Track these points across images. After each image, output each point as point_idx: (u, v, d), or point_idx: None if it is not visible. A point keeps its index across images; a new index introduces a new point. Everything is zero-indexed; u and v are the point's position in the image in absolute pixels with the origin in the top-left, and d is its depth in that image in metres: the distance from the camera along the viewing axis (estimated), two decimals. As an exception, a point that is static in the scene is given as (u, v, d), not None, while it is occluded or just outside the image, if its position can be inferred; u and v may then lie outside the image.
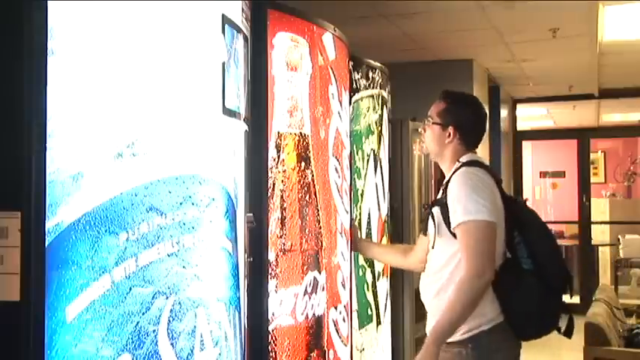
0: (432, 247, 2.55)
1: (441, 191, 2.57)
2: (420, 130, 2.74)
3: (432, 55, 6.28)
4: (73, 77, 1.57)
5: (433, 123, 2.62)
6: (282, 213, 2.59)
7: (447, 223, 2.44)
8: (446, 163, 2.63)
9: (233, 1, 2.09)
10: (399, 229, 4.40)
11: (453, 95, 2.66)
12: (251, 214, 2.31)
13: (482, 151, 7.02)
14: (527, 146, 10.69)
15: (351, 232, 3.20)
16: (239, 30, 2.10)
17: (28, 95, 1.54)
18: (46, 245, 1.52)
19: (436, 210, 2.50)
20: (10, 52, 1.56)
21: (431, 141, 2.65)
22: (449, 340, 2.40)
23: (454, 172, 2.51)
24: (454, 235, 2.41)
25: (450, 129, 2.58)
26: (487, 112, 2.71)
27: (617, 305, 5.44)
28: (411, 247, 2.98)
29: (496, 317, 2.42)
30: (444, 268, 2.46)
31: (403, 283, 4.39)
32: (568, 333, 2.53)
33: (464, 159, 2.55)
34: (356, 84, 3.58)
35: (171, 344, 1.72)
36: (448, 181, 2.52)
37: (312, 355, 2.76)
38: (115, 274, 1.60)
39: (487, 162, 2.65)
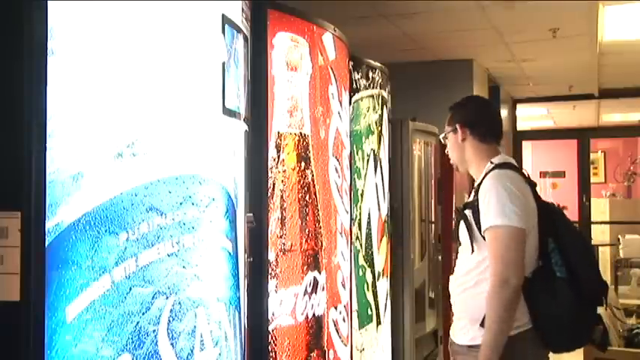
0: (462, 250, 2.52)
1: (472, 194, 2.53)
2: (447, 151, 2.73)
3: (432, 55, 6.28)
4: (73, 77, 1.56)
5: (447, 133, 2.66)
6: (282, 213, 2.59)
7: (479, 227, 2.40)
8: (472, 165, 2.61)
9: (233, 1, 2.09)
10: (399, 229, 4.40)
11: (455, 103, 2.72)
12: (251, 214, 2.31)
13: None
14: (527, 146, 10.69)
15: None
16: (239, 30, 2.10)
17: (28, 95, 1.54)
18: (46, 245, 1.52)
19: (469, 213, 2.46)
20: (10, 52, 1.56)
21: (451, 149, 2.67)
22: (473, 343, 2.37)
23: (486, 174, 2.47)
24: (485, 239, 2.38)
25: (458, 127, 2.60)
26: (492, 103, 2.70)
27: (617, 305, 5.44)
28: None
29: (523, 324, 2.36)
30: (474, 270, 2.43)
31: (403, 283, 4.39)
32: (602, 345, 2.49)
33: (496, 160, 2.51)
34: (356, 84, 3.58)
35: (171, 344, 1.72)
36: (480, 183, 2.48)
37: (312, 355, 2.76)
38: (115, 274, 1.60)
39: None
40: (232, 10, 2.05)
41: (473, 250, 2.44)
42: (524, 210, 2.35)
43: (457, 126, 2.60)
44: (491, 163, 2.50)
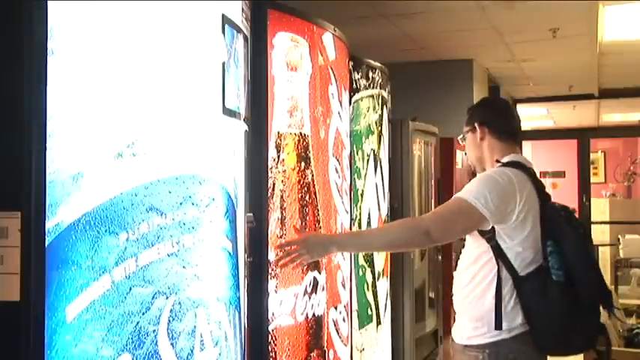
0: (465, 247, 2.54)
1: None
2: (464, 154, 2.75)
3: (432, 55, 6.28)
4: (73, 77, 1.56)
5: (465, 134, 2.67)
6: (282, 213, 2.59)
7: None
8: (488, 165, 2.59)
9: (233, 1, 2.09)
10: (399, 229, 4.39)
11: (473, 105, 2.77)
12: (251, 214, 2.31)
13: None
14: (527, 146, 10.70)
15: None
16: (239, 30, 2.10)
17: (28, 95, 1.54)
18: (46, 245, 1.52)
19: None
20: (10, 52, 1.56)
21: (469, 149, 2.68)
22: (468, 343, 2.41)
23: None
24: (481, 234, 2.40)
25: (477, 127, 2.59)
26: (509, 103, 2.71)
27: (617, 305, 5.44)
28: None
29: (519, 326, 2.36)
30: (472, 265, 2.45)
31: (403, 283, 4.39)
32: (606, 355, 2.48)
33: (505, 159, 2.52)
34: (356, 84, 3.58)
35: (171, 344, 1.72)
36: None
37: (311, 355, 2.76)
38: (115, 274, 1.60)
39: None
40: (232, 10, 2.05)
41: (465, 244, 2.50)
42: (500, 202, 2.36)
43: (475, 125, 2.60)
44: (498, 162, 2.52)
